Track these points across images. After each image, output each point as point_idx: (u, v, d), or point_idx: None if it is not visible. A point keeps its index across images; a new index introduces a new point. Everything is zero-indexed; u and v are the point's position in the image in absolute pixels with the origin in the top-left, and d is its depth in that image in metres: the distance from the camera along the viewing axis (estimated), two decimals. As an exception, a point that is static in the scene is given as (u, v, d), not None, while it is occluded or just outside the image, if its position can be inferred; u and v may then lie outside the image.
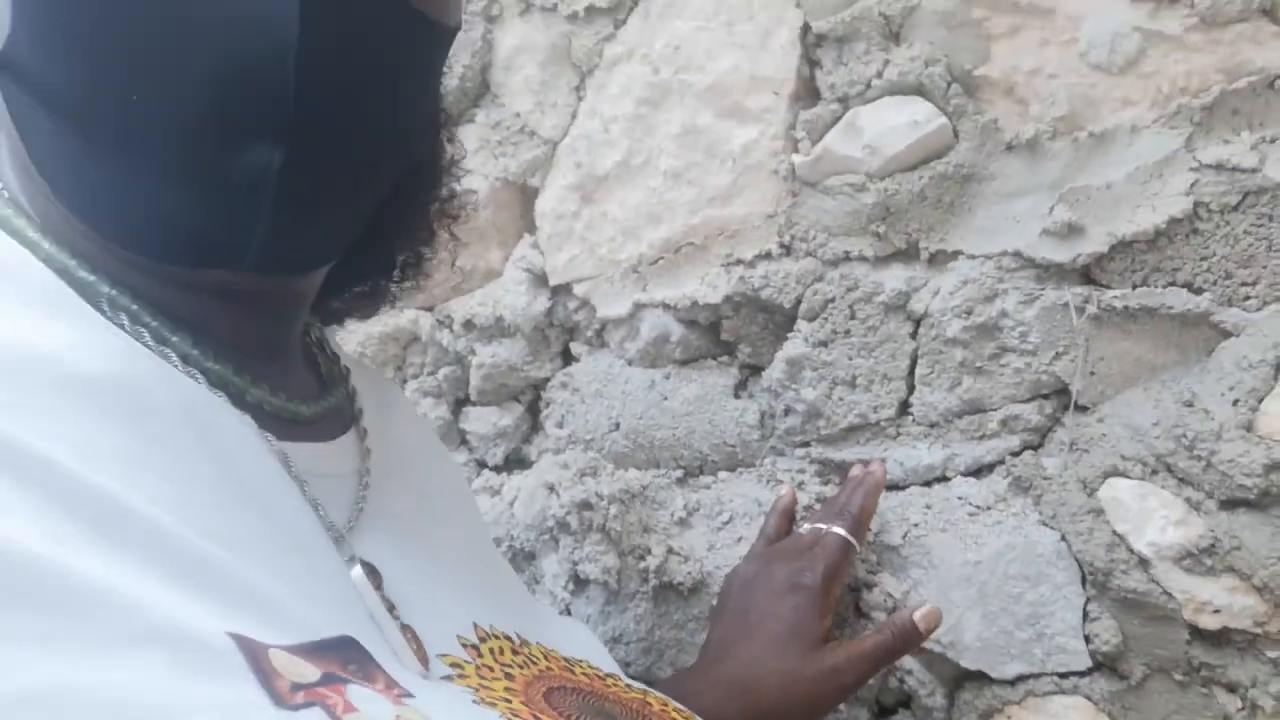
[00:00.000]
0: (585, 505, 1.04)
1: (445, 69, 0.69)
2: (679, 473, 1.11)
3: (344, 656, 0.50)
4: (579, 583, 1.05)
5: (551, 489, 1.09)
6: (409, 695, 0.50)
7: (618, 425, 1.12)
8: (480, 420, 1.18)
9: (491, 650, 0.66)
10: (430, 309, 1.19)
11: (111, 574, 0.42)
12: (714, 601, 1.04)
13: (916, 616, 0.90)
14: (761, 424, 1.08)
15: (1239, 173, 0.90)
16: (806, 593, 0.90)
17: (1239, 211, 0.91)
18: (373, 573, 0.60)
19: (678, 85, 1.06)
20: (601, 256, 1.11)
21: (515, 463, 1.19)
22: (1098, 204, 0.94)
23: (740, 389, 1.10)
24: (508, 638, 0.70)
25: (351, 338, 1.20)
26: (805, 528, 0.97)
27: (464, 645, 0.64)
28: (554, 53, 1.11)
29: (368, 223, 0.64)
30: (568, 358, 1.17)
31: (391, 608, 0.60)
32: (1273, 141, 0.91)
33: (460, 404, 1.20)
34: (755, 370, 1.09)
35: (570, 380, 1.14)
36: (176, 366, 0.56)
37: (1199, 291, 0.93)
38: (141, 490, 0.47)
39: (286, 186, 0.53)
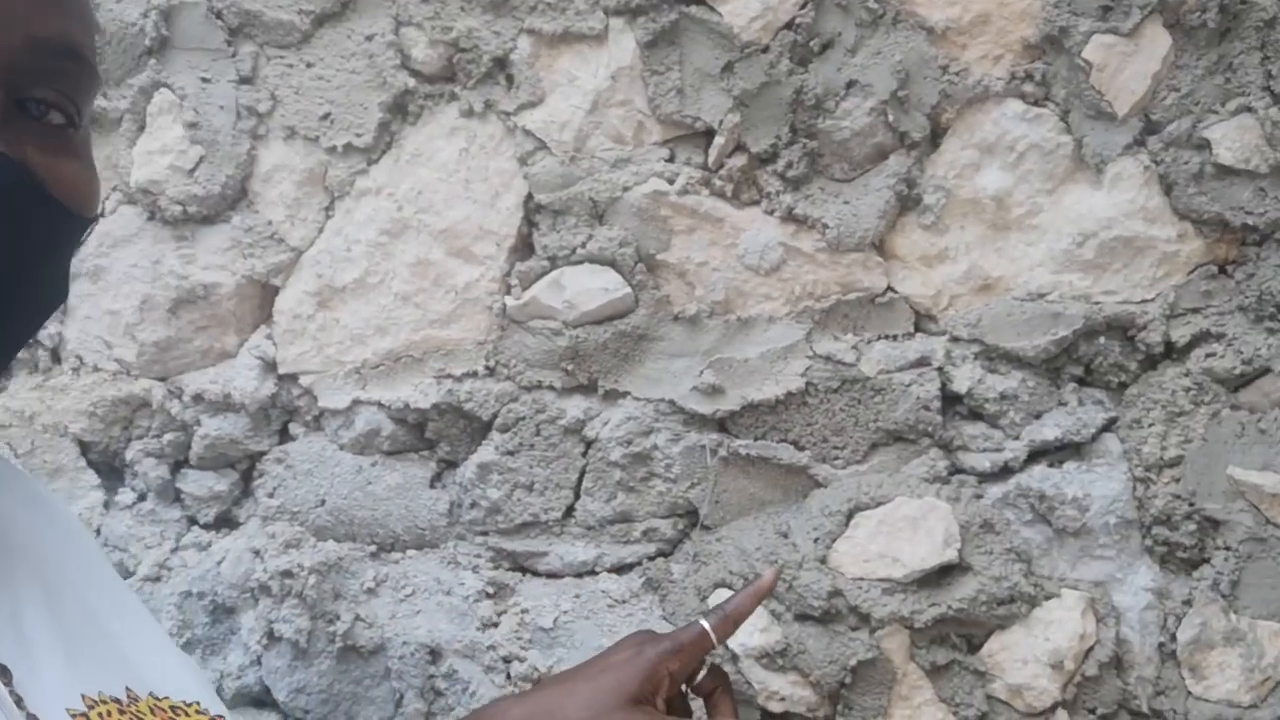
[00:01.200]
0: (287, 574, 1.19)
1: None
2: (373, 548, 1.27)
3: None
4: (272, 638, 1.20)
5: (257, 554, 1.23)
6: None
7: (324, 501, 1.27)
8: (197, 483, 1.31)
9: (100, 715, 0.73)
10: (163, 379, 1.31)
11: None
12: (388, 663, 1.21)
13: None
14: (450, 512, 1.27)
15: (841, 364, 1.19)
16: (642, 657, 0.93)
17: (838, 393, 1.19)
18: (3, 671, 0.68)
19: (416, 223, 1.25)
20: (329, 356, 1.27)
21: (224, 522, 1.32)
22: (737, 373, 1.20)
23: (435, 480, 1.28)
24: (115, 700, 0.77)
25: (85, 397, 1.30)
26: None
27: (73, 716, 0.71)
28: (310, 176, 1.27)
29: None
30: (284, 435, 1.32)
31: (20, 700, 0.68)
32: (869, 343, 1.20)
33: (179, 465, 1.32)
34: (451, 465, 1.28)
35: (286, 457, 1.29)
36: None
37: (802, 449, 1.20)
38: None
39: None
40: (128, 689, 0.78)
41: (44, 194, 0.63)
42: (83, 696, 0.72)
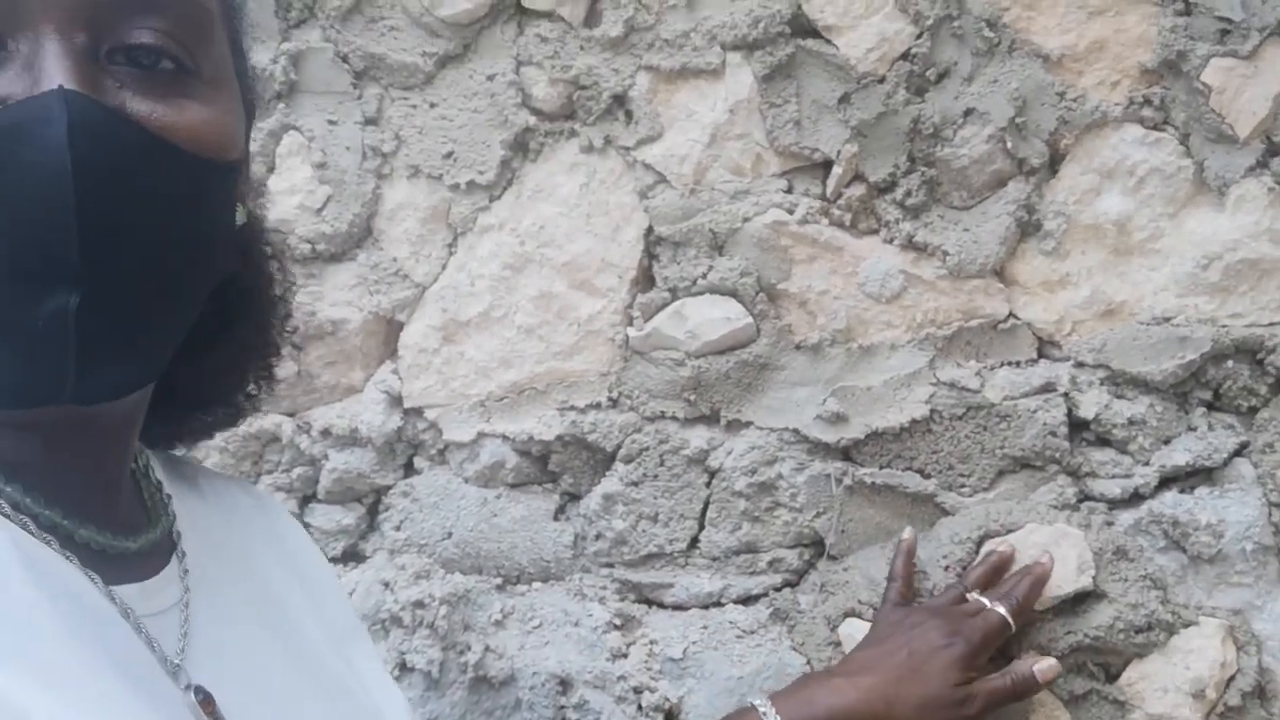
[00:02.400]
0: (419, 604, 1.21)
1: (240, 198, 0.74)
2: (499, 580, 1.29)
3: None
4: (404, 669, 1.21)
5: (387, 585, 1.25)
6: None
7: (450, 534, 1.29)
8: (325, 516, 1.33)
9: None
10: (292, 415, 1.34)
11: None
12: (518, 694, 1.22)
13: (1036, 669, 1.07)
14: (574, 544, 1.28)
15: (966, 391, 1.19)
16: (956, 653, 1.05)
17: (963, 420, 1.19)
18: (206, 699, 0.67)
19: (538, 257, 1.27)
20: (454, 389, 1.30)
21: (351, 555, 1.34)
22: (860, 401, 1.21)
23: (559, 513, 1.30)
24: None
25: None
26: (971, 596, 1.12)
27: None
28: (434, 213, 1.30)
29: (178, 341, 0.68)
30: (409, 469, 1.34)
31: None
32: (993, 370, 1.20)
33: (308, 499, 1.35)
34: (574, 498, 1.29)
35: (412, 490, 1.31)
36: (8, 515, 0.62)
37: (928, 477, 1.20)
38: None
39: (86, 324, 0.59)
40: None
41: (141, 131, 0.61)
42: None
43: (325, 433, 1.32)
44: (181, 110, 0.63)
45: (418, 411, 1.31)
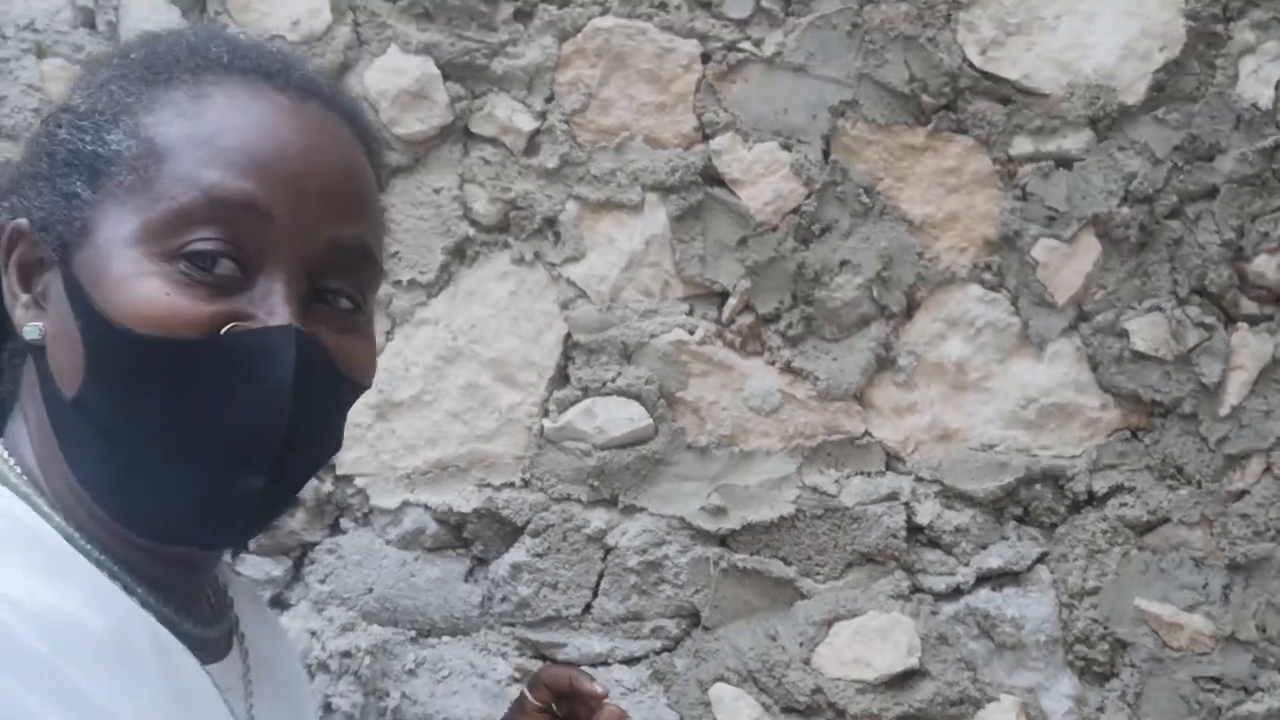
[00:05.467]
0: (346, 654, 1.37)
1: None
2: (413, 632, 1.46)
3: None
4: (329, 710, 1.37)
5: (314, 634, 1.40)
6: None
7: (371, 589, 1.46)
8: (255, 567, 1.48)
9: None
10: (232, 473, 1.48)
11: None
12: (427, 736, 1.39)
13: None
14: (482, 604, 1.46)
15: (825, 494, 1.42)
16: None
17: (821, 519, 1.42)
18: None
19: (469, 351, 1.45)
20: (383, 461, 1.46)
21: (275, 603, 1.48)
22: (738, 497, 1.42)
23: (470, 575, 1.47)
24: None
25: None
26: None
27: None
28: (377, 305, 1.46)
29: None
30: (335, 529, 1.50)
31: None
32: (848, 478, 1.43)
33: (238, 551, 1.49)
34: (483, 563, 1.47)
35: (338, 548, 1.47)
36: (149, 608, 0.75)
37: (790, 564, 1.43)
38: (135, 714, 0.69)
39: (262, 502, 0.74)
40: None
41: (333, 366, 0.77)
42: None
43: (261, 492, 1.47)
44: (353, 344, 0.80)
45: (348, 479, 1.47)
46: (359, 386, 0.83)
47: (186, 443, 0.74)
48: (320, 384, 0.76)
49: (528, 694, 1.19)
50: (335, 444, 0.87)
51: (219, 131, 0.76)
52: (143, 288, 0.73)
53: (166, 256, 0.73)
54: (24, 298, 0.79)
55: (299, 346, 0.74)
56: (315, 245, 0.77)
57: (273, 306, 0.74)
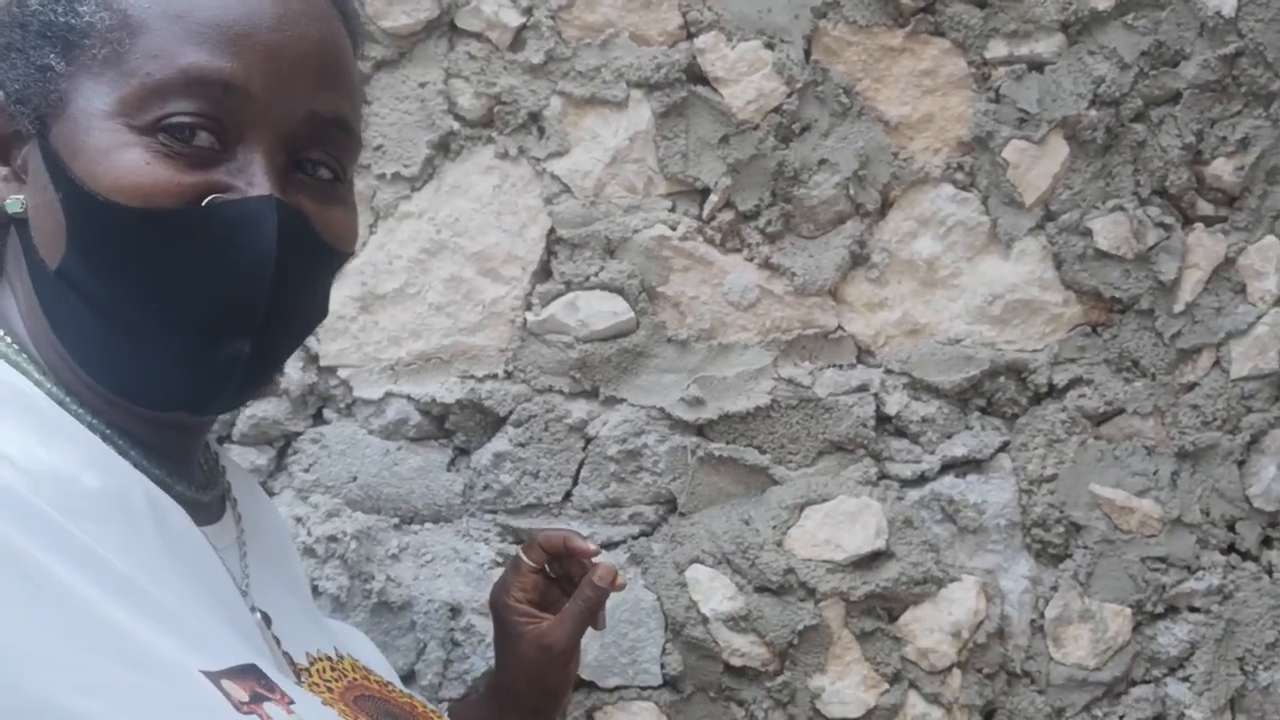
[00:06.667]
0: (332, 539, 1.40)
1: None
2: (396, 520, 1.49)
3: (255, 677, 0.72)
4: (316, 592, 1.40)
5: (299, 520, 1.43)
6: (293, 703, 0.73)
7: (355, 478, 1.48)
8: (239, 456, 1.49)
9: (319, 670, 0.93)
10: (215, 363, 1.49)
11: (116, 611, 0.65)
12: (414, 617, 1.44)
13: (594, 579, 1.19)
14: (464, 493, 1.50)
15: (799, 386, 1.47)
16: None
17: (795, 410, 1.47)
18: (264, 618, 0.88)
19: (452, 245, 1.47)
20: (366, 353, 1.48)
21: (259, 493, 1.51)
22: (716, 388, 1.47)
23: (451, 465, 1.51)
24: (328, 657, 0.96)
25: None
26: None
27: (311, 661, 0.91)
28: (359, 197, 1.47)
29: None
30: (319, 419, 1.52)
31: (278, 642, 0.88)
32: (821, 370, 1.48)
33: (223, 440, 1.51)
34: (465, 453, 1.51)
35: (322, 438, 1.49)
36: (143, 470, 0.78)
37: (764, 452, 1.48)
38: (133, 565, 0.69)
39: (248, 367, 0.78)
40: (335, 649, 0.99)
41: (314, 234, 0.81)
42: (305, 653, 0.92)
43: (245, 382, 1.48)
44: (334, 213, 0.84)
45: (331, 370, 1.49)
46: (341, 254, 0.87)
47: (171, 311, 0.76)
48: (302, 252, 0.79)
49: (523, 556, 1.25)
50: (321, 311, 0.92)
51: (193, 5, 0.76)
52: (122, 159, 0.74)
53: (144, 128, 0.75)
54: (3, 171, 0.80)
55: (280, 216, 0.76)
56: (293, 118, 0.79)
57: (252, 177, 0.76)
